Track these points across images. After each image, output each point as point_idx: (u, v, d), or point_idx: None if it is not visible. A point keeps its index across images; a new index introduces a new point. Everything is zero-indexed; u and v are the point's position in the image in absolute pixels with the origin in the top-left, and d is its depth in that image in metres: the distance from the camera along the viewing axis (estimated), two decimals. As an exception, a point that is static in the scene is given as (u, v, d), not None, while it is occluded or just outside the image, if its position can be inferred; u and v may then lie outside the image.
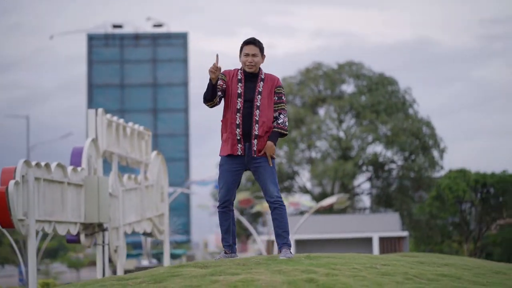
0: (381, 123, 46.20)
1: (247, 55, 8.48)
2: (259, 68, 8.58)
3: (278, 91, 8.57)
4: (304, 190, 47.17)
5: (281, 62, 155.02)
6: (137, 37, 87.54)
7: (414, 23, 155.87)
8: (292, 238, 33.10)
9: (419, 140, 45.92)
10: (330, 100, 47.07)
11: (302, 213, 44.49)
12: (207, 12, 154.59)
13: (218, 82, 8.46)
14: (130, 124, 16.72)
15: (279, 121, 8.54)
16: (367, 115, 46.04)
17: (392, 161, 48.10)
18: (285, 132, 8.64)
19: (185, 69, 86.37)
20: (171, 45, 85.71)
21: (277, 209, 8.50)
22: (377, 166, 47.44)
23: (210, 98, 8.44)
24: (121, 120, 16.16)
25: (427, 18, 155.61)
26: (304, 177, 48.59)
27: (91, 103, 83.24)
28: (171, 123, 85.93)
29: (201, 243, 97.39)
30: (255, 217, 46.29)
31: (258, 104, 8.46)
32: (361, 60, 49.50)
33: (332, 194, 46.61)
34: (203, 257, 72.27)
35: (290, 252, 8.59)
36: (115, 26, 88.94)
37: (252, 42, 8.53)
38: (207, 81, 8.39)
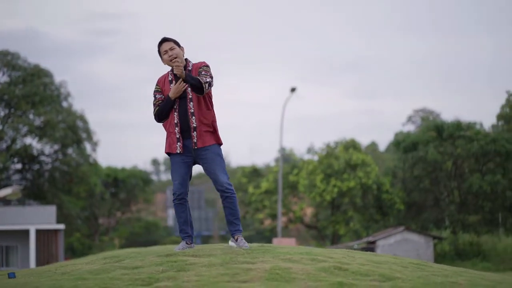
0: (36, 115, 45.50)
1: (165, 52, 8.52)
2: (186, 61, 8.66)
3: (200, 70, 8.53)
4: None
5: None
6: None
7: (22, 13, 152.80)
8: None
9: (73, 133, 46.09)
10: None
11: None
12: None
13: (157, 96, 8.60)
14: None
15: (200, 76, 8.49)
16: (21, 106, 45.03)
17: (45, 154, 47.64)
18: (200, 81, 8.41)
19: None
20: None
21: (228, 197, 8.55)
22: (29, 158, 46.62)
23: (166, 116, 8.59)
24: None
25: (35, 8, 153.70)
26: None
27: None
28: None
29: None
30: None
31: (190, 97, 8.50)
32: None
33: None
34: None
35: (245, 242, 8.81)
36: None
37: (164, 40, 8.60)
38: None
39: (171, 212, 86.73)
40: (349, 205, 46.61)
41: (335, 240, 48.16)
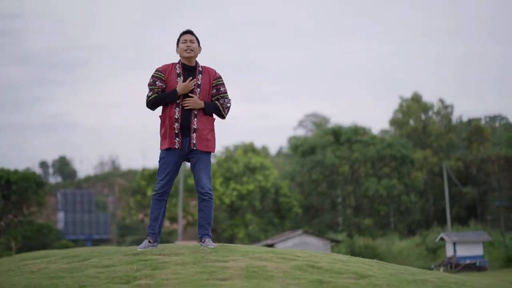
0: None
1: (185, 41, 8.51)
2: (196, 61, 8.65)
3: (216, 83, 8.61)
4: None
5: None
6: None
7: None
8: None
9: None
10: None
11: None
12: None
13: (157, 83, 8.50)
14: None
15: (220, 101, 8.61)
16: None
17: None
18: (222, 112, 8.66)
19: None
20: None
21: (206, 201, 8.61)
22: None
23: (161, 106, 8.53)
24: None
25: None
26: None
27: None
28: None
29: None
30: None
31: (198, 96, 8.49)
32: None
33: None
34: None
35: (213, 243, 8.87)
36: None
37: (189, 31, 8.61)
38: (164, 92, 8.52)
39: (61, 215, 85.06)
40: (248, 208, 46.85)
41: (232, 243, 48.36)
